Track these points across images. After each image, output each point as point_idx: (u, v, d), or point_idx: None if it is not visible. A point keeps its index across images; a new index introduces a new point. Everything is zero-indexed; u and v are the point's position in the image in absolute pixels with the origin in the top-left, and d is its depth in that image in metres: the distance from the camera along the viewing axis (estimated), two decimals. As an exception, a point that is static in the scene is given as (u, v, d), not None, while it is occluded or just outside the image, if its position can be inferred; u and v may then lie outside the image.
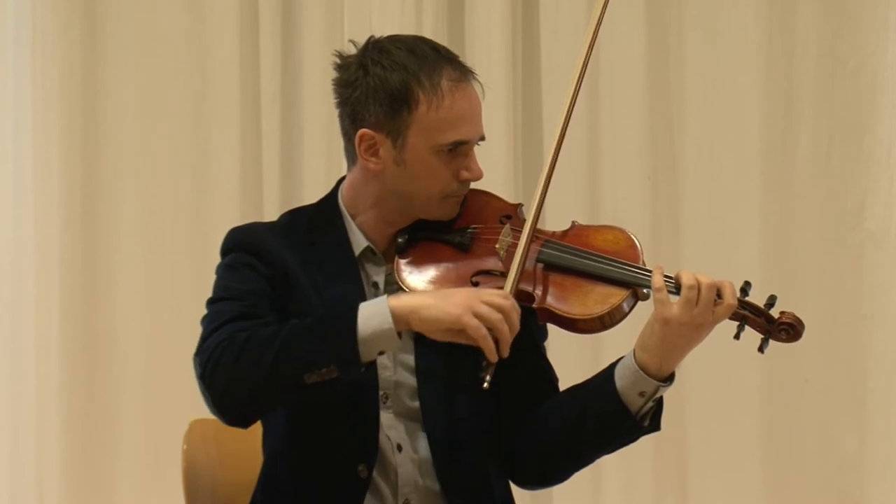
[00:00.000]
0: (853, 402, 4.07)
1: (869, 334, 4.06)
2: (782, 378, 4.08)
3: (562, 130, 2.55)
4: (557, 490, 4.03)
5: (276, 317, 2.49)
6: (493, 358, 2.38)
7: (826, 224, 4.08)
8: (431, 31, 3.98)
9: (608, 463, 3.93)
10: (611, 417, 2.49)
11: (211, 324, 2.47)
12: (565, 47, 4.12)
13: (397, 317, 2.37)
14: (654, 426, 2.52)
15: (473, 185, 2.58)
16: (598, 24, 2.53)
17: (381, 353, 2.42)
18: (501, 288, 2.45)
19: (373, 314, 2.37)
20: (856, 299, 4.07)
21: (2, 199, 4.18)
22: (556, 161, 2.54)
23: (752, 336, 4.07)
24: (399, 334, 2.39)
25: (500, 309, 2.37)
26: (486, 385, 2.39)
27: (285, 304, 2.52)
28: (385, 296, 2.40)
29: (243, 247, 2.57)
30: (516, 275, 2.46)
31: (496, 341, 2.38)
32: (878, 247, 4.05)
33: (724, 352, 3.85)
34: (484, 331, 2.36)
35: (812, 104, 4.08)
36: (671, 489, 4.11)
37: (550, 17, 4.12)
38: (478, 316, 2.36)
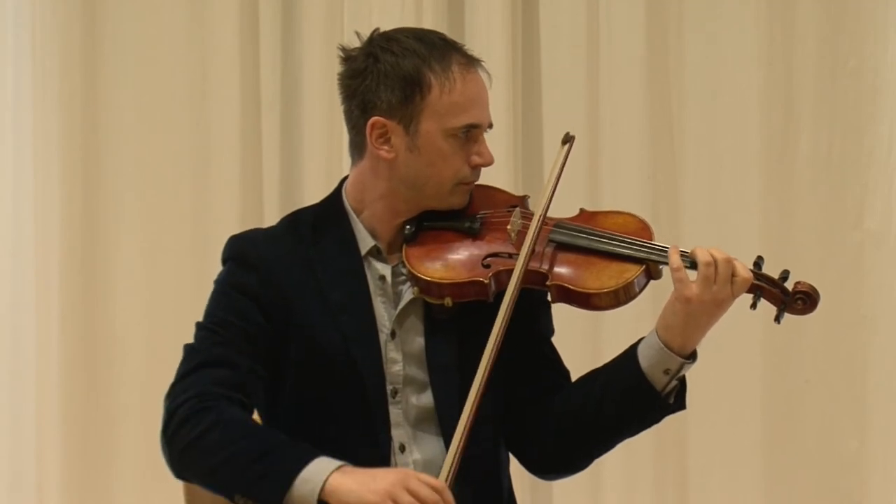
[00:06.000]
0: (853, 402, 4.07)
1: (869, 334, 4.06)
2: (783, 378, 4.08)
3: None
4: (557, 487, 4.04)
5: (251, 353, 2.49)
6: None
7: (826, 224, 4.08)
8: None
9: (608, 461, 3.93)
10: (636, 396, 2.50)
11: (184, 363, 2.51)
12: (565, 46, 4.12)
13: (325, 492, 2.35)
14: (680, 405, 2.53)
15: (478, 182, 2.58)
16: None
17: None
18: (511, 268, 2.46)
19: (310, 479, 2.36)
20: (856, 299, 4.06)
21: (2, 199, 4.19)
22: (546, 211, 2.54)
23: (756, 336, 4.07)
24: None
25: (423, 501, 2.33)
26: None
27: (283, 320, 2.51)
28: (337, 465, 2.36)
29: (241, 259, 2.56)
30: (527, 253, 2.46)
31: None
32: (878, 247, 4.05)
33: (724, 352, 3.88)
34: None
35: (812, 104, 4.08)
36: (671, 488, 4.11)
37: (550, 16, 4.12)
38: None
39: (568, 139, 2.60)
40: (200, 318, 2.56)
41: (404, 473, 2.36)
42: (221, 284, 2.57)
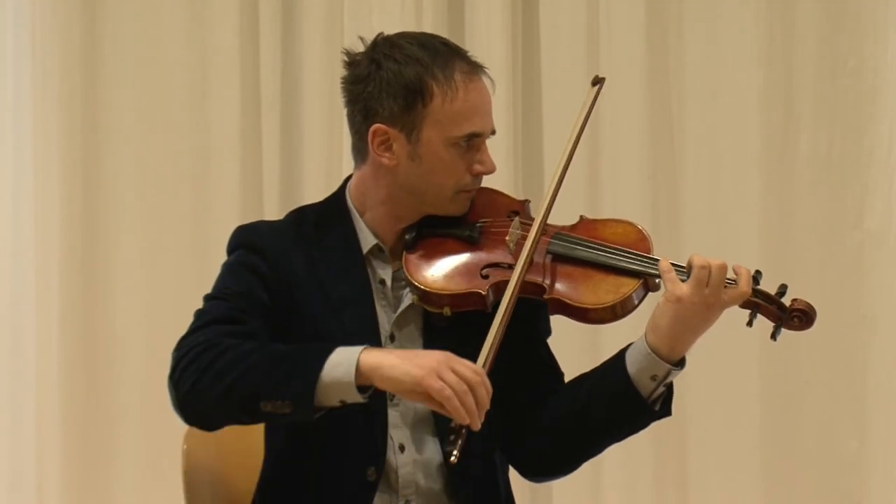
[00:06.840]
0: (853, 402, 4.07)
1: (869, 334, 4.06)
2: (782, 378, 4.08)
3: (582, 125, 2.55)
4: (557, 487, 4.04)
5: (261, 322, 2.48)
6: (463, 420, 2.32)
7: (826, 224, 4.08)
8: (431, 30, 3.97)
9: (608, 461, 3.95)
10: (622, 402, 2.49)
11: (195, 322, 2.48)
12: (565, 46, 4.12)
13: (361, 371, 2.33)
14: (666, 411, 2.52)
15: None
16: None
17: (344, 402, 2.36)
18: (509, 279, 2.46)
19: (340, 362, 2.33)
20: (856, 299, 4.07)
21: (2, 199, 4.19)
22: (572, 155, 2.54)
23: (755, 336, 4.08)
24: (363, 389, 2.34)
25: (467, 382, 2.32)
26: (453, 459, 2.35)
27: (287, 307, 2.52)
28: (362, 347, 2.35)
29: (250, 245, 2.57)
30: (523, 268, 2.46)
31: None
32: (878, 247, 4.06)
33: (724, 352, 3.88)
34: (449, 391, 2.31)
35: (812, 104, 4.08)
36: (671, 489, 4.11)
37: (550, 16, 4.12)
38: (443, 381, 2.31)
39: (598, 80, 2.59)
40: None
41: (447, 354, 2.35)
42: (231, 264, 2.57)
